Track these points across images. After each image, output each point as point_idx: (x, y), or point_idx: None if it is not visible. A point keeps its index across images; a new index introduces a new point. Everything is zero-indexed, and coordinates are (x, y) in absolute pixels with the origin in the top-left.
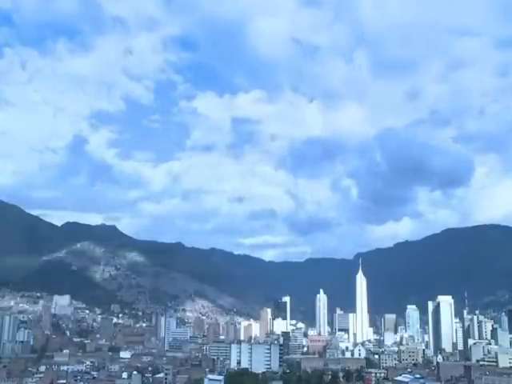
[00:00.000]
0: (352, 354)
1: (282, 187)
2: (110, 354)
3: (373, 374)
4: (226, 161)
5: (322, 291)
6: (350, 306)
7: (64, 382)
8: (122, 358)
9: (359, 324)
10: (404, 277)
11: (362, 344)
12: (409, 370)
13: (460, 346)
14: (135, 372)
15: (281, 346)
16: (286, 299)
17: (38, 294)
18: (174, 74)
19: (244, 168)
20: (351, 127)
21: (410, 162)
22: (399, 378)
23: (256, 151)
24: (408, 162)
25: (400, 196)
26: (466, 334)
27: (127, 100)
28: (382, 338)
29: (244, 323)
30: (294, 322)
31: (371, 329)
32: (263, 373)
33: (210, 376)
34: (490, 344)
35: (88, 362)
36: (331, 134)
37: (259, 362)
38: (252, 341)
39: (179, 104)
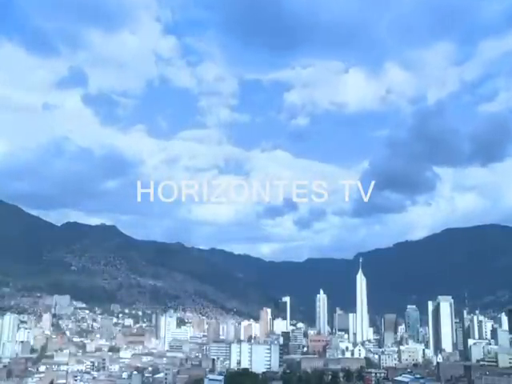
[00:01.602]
0: (352, 354)
1: (290, 172)
2: (109, 353)
3: (373, 374)
4: (231, 142)
5: (321, 291)
6: (350, 305)
7: (64, 381)
8: (122, 358)
9: (359, 324)
10: (404, 277)
11: (362, 344)
12: (409, 370)
13: (460, 346)
14: (135, 372)
15: (281, 346)
16: (286, 299)
17: (38, 294)
18: (178, 32)
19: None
20: (386, 100)
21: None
22: (399, 378)
23: (263, 130)
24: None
25: (427, 178)
26: (466, 334)
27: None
28: (381, 338)
29: (244, 323)
30: (294, 321)
31: (371, 329)
32: (263, 373)
33: (210, 376)
34: (490, 344)
35: (88, 362)
36: (353, 112)
37: (259, 362)
38: (252, 341)
39: (180, 67)
